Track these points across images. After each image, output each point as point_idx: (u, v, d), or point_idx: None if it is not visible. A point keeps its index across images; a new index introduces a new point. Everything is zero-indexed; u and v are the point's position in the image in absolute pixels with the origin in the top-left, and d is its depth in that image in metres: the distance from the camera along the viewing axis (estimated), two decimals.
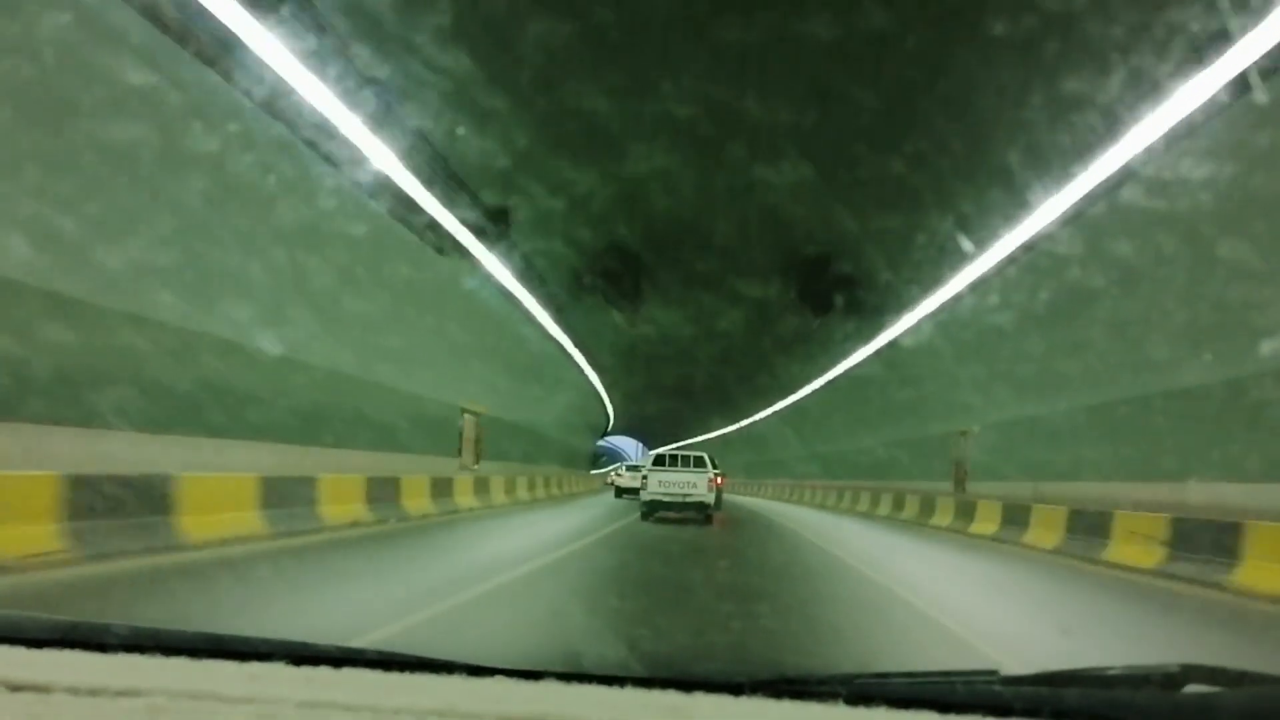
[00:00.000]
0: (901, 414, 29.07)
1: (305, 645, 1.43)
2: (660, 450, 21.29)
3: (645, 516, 19.53)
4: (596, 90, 13.07)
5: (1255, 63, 8.75)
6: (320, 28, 9.96)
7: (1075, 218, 13.25)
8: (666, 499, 19.45)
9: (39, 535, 7.91)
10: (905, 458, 29.52)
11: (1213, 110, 9.70)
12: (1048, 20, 9.92)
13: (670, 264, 22.84)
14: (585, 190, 16.73)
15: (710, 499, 19.41)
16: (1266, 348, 11.17)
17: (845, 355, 30.46)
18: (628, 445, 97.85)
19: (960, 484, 23.62)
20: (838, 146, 14.63)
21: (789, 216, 18.27)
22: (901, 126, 13.70)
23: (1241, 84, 9.10)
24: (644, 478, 20.14)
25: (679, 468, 20.17)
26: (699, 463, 20.42)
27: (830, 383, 37.71)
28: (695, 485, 19.48)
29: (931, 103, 12.93)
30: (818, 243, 19.82)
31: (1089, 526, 13.90)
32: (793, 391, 45.18)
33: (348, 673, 1.37)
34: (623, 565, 11.04)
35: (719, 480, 20.35)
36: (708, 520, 19.20)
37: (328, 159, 11.90)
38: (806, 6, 11.10)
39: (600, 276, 22.24)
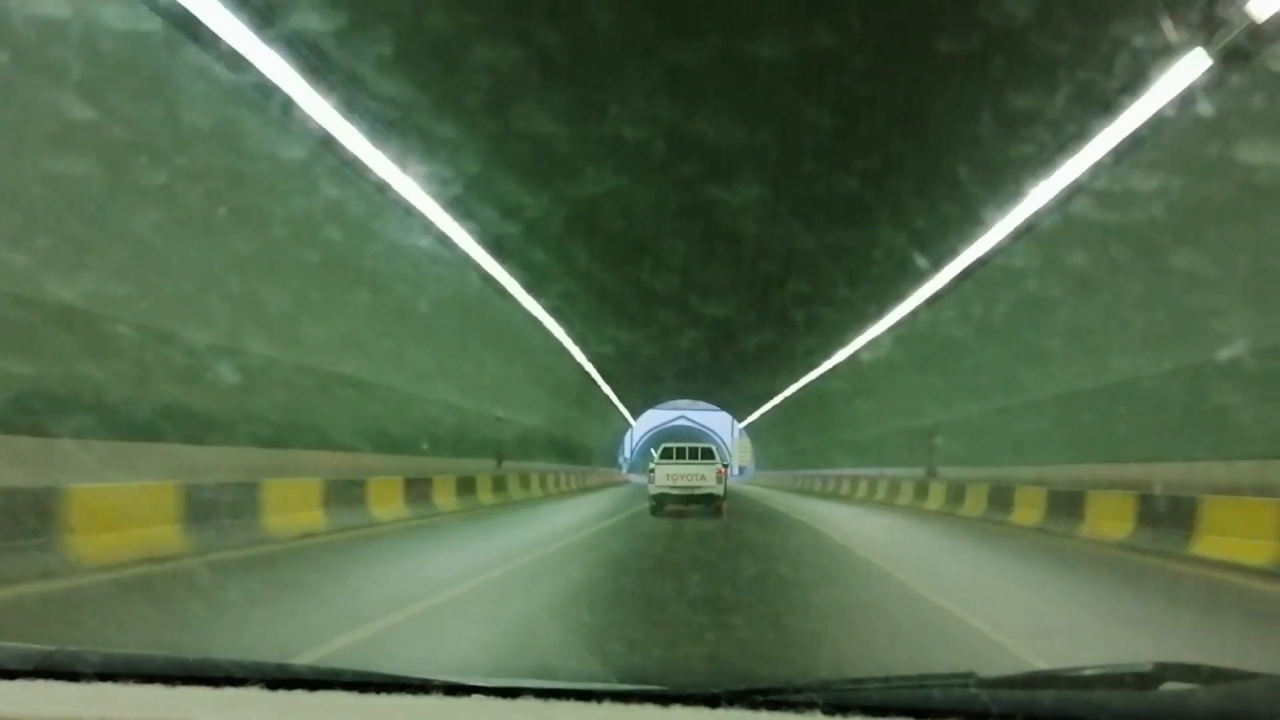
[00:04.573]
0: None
1: (281, 668, 1.42)
2: (669, 444, 20.94)
3: (655, 511, 19.23)
4: (546, 113, 12.96)
5: (1198, 77, 8.85)
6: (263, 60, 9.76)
7: (1027, 230, 13.39)
8: (676, 492, 19.34)
9: None
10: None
11: (1159, 123, 9.79)
12: (994, 37, 9.96)
13: (629, 284, 22.78)
14: (539, 213, 16.62)
15: (719, 490, 19.45)
16: (1222, 351, 11.32)
17: (809, 368, 30.74)
18: (714, 421, 67.54)
19: (932, 472, 23.98)
20: (791, 165, 14.64)
21: (745, 235, 18.29)
22: (854, 144, 13.73)
23: (1186, 97, 9.20)
24: (651, 471, 19.98)
25: (687, 460, 20.08)
26: (707, 454, 20.38)
27: (789, 397, 38.03)
28: (704, 477, 19.41)
29: (883, 120, 12.98)
30: (774, 260, 19.86)
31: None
32: (763, 402, 45.10)
33: (324, 695, 1.35)
34: None
35: (723, 471, 20.50)
36: (717, 511, 19.15)
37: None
38: (755, 26, 11.07)
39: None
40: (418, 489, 17.11)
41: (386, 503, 15.43)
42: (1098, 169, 10.99)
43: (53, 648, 1.46)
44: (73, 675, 1.39)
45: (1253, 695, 1.28)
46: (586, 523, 17.38)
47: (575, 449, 41.70)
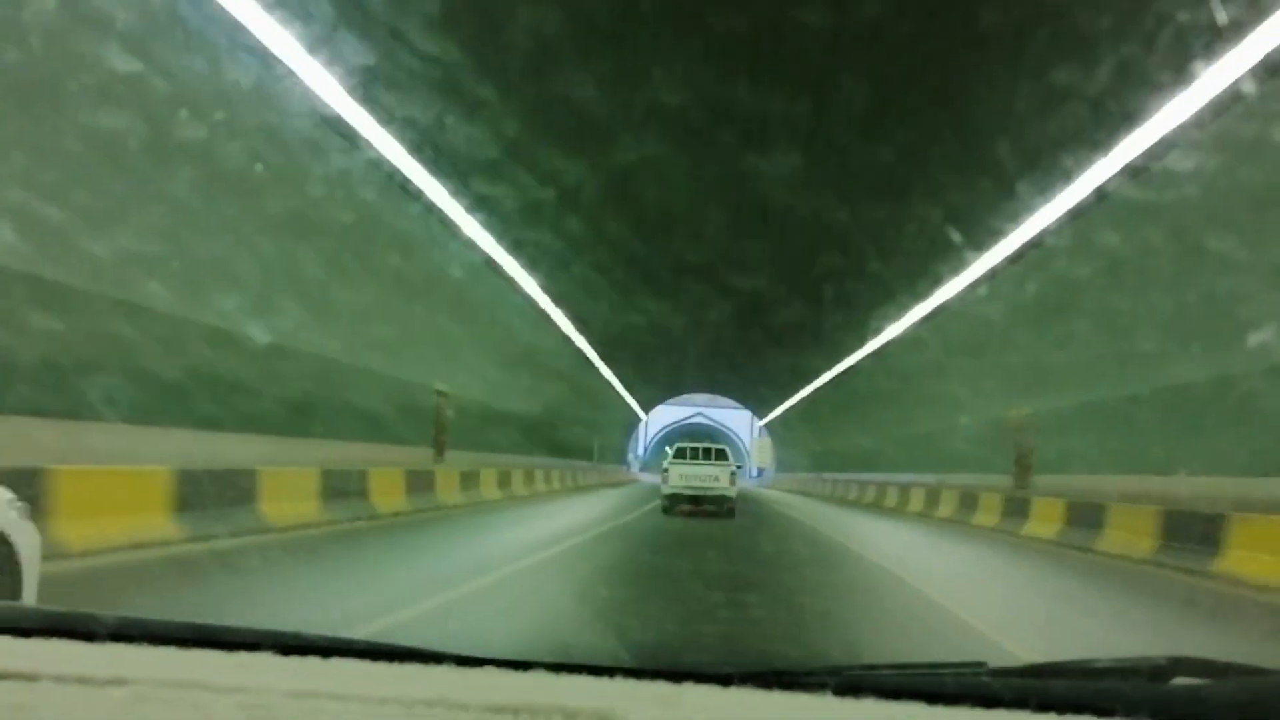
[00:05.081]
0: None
1: (294, 635, 1.42)
2: (683, 444, 21.05)
3: (667, 510, 19.41)
4: (586, 79, 13.00)
5: (1251, 59, 8.75)
6: (308, 15, 9.90)
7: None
8: (689, 492, 19.46)
9: None
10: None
11: (1203, 105, 9.70)
12: (1037, 10, 9.90)
13: (661, 254, 22.81)
14: (575, 180, 16.67)
15: (733, 492, 19.50)
16: (1254, 341, 11.20)
17: (841, 350, 30.15)
18: (733, 419, 63.21)
19: (1022, 481, 19.48)
20: (828, 136, 14.61)
21: (779, 206, 18.26)
22: (892, 116, 13.69)
23: (1233, 77, 9.10)
24: (665, 471, 20.10)
25: (701, 460, 20.12)
26: (720, 455, 20.40)
27: (819, 386, 36.94)
28: (718, 479, 19.49)
29: (921, 93, 12.91)
30: (808, 232, 19.81)
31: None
32: (788, 395, 43.52)
33: (336, 663, 1.36)
34: None
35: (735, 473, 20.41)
36: (729, 513, 19.17)
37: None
38: None
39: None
40: (231, 486, 11.06)
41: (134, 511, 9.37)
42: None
43: (66, 609, 1.48)
44: (87, 636, 1.39)
45: (1266, 691, 1.28)
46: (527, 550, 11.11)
47: (568, 442, 37.27)
